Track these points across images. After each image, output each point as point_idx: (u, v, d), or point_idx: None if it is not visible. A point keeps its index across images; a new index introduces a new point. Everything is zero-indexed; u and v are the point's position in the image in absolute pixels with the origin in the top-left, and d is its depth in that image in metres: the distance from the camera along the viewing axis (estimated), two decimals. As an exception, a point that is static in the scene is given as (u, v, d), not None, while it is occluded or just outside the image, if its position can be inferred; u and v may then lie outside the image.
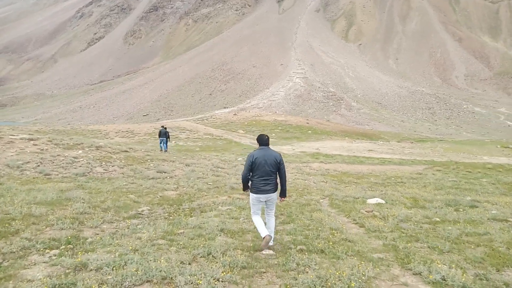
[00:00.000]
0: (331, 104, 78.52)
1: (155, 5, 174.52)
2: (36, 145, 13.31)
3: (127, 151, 15.01)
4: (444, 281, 3.99)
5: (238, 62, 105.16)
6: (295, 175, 13.61)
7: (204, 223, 6.09)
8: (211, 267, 4.16)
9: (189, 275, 3.91)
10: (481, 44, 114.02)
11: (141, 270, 3.95)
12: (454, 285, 3.91)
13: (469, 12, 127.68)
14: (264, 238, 5.00)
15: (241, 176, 5.35)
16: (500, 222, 6.73)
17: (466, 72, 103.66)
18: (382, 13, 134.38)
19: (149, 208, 7.33)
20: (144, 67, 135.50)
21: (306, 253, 4.84)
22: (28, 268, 4.11)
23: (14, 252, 4.52)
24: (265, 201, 5.27)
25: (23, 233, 5.22)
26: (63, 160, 11.66)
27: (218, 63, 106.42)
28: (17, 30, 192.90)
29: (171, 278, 3.87)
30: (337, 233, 5.83)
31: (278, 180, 5.32)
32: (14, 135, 14.35)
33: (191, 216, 6.82)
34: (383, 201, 8.40)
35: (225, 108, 77.99)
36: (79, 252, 4.61)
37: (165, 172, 11.86)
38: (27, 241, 4.86)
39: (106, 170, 11.27)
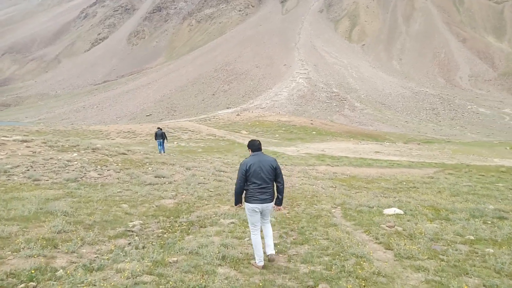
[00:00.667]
0: (335, 104, 77.68)
1: (159, 5, 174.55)
2: (29, 147, 12.69)
3: (125, 154, 14.36)
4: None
5: (241, 62, 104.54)
6: (302, 179, 12.92)
7: (202, 246, 5.27)
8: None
9: None
10: (485, 44, 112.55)
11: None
12: None
13: (473, 13, 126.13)
14: (258, 265, 4.66)
15: (234, 188, 4.85)
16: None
17: (470, 73, 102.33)
18: (385, 13, 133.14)
19: (141, 222, 6.58)
20: (147, 67, 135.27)
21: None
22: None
23: None
24: (261, 211, 4.82)
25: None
26: (55, 163, 11.00)
27: (221, 64, 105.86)
28: (21, 30, 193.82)
29: None
30: (363, 262, 4.88)
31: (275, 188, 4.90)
32: (7, 137, 13.73)
33: (188, 234, 6.05)
34: (401, 212, 7.66)
35: (228, 108, 77.38)
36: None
37: (163, 177, 11.19)
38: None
39: (100, 174, 10.60)
